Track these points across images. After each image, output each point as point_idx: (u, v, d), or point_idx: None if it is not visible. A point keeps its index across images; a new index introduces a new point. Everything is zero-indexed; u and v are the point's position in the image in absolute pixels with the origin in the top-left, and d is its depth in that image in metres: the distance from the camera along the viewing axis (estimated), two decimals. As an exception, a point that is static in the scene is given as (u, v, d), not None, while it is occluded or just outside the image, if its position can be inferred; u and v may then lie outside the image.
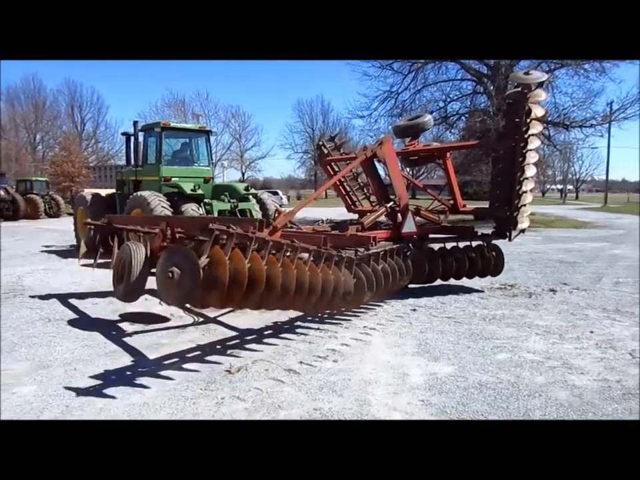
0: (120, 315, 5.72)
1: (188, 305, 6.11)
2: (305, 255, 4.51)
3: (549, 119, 19.44)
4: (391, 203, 6.81)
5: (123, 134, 11.46)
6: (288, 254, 4.21)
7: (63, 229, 17.08)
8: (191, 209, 9.33)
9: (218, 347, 4.64)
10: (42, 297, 6.57)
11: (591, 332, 5.15)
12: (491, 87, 20.63)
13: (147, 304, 6.25)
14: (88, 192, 11.93)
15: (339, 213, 12.57)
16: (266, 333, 5.10)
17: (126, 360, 4.25)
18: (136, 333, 5.06)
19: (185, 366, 4.12)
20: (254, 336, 4.95)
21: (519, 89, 6.76)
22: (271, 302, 4.02)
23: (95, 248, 5.94)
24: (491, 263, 7.20)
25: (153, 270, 4.67)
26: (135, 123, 10.89)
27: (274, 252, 4.09)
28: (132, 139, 10.88)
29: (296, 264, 4.16)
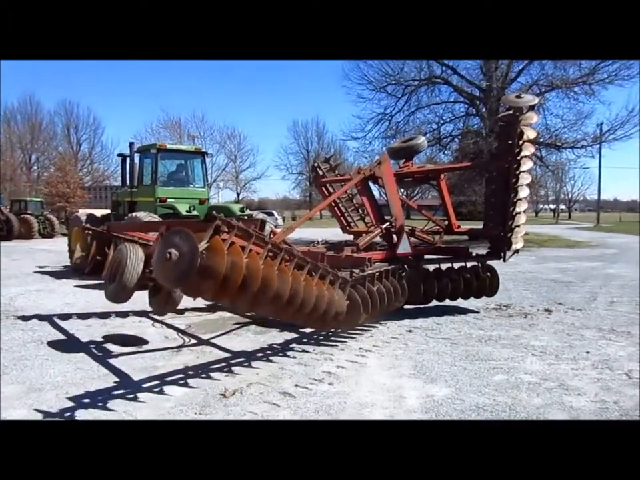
0: (113, 337, 5.65)
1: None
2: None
3: (541, 139, 19.76)
4: (387, 223, 6.84)
5: (119, 155, 11.55)
6: (286, 263, 4.20)
7: (57, 249, 17.00)
8: None
9: (212, 369, 4.59)
10: (35, 318, 6.51)
11: (587, 352, 5.14)
12: (483, 109, 20.97)
13: (140, 326, 6.21)
14: (83, 212, 11.95)
15: (334, 233, 12.61)
16: (260, 355, 5.05)
17: (118, 383, 4.19)
18: (129, 354, 5.00)
19: (178, 389, 4.06)
20: (248, 358, 4.91)
21: (511, 111, 6.88)
22: (263, 304, 3.96)
23: (89, 255, 5.89)
24: (486, 284, 7.21)
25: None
26: (131, 144, 10.97)
27: (272, 256, 4.07)
28: (127, 160, 10.94)
29: (292, 272, 4.15)
